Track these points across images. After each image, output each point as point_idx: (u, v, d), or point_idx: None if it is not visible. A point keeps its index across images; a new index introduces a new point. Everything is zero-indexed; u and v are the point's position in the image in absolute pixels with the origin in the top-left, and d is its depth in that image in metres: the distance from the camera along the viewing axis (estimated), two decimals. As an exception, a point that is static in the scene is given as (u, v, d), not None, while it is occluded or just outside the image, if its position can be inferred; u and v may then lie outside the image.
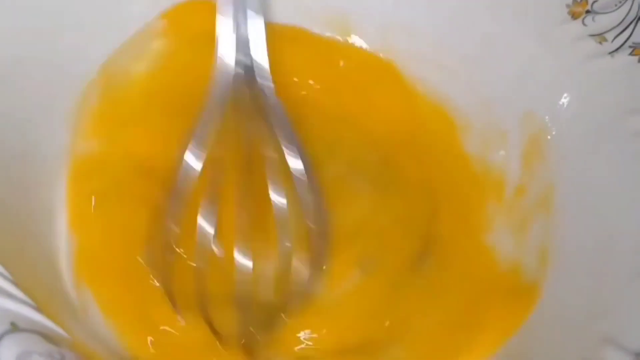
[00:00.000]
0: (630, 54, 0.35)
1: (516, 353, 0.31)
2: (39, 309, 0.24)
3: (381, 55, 0.41)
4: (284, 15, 0.40)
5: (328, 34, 0.41)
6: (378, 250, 0.36)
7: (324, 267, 0.34)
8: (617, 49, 0.35)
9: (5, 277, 0.24)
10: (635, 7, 0.35)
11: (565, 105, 0.36)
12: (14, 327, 0.22)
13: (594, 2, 0.36)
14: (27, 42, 0.33)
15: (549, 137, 0.37)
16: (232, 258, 0.32)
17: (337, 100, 0.40)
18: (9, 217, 0.30)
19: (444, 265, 0.36)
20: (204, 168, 0.32)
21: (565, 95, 0.36)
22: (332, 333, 0.33)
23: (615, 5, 0.35)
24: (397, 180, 0.39)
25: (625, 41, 0.35)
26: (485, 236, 0.37)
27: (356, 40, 0.41)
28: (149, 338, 0.31)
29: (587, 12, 0.36)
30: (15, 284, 0.24)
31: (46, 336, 0.22)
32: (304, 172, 0.34)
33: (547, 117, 0.37)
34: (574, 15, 0.36)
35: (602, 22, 0.36)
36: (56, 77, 0.34)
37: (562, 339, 0.29)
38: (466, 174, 0.39)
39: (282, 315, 0.33)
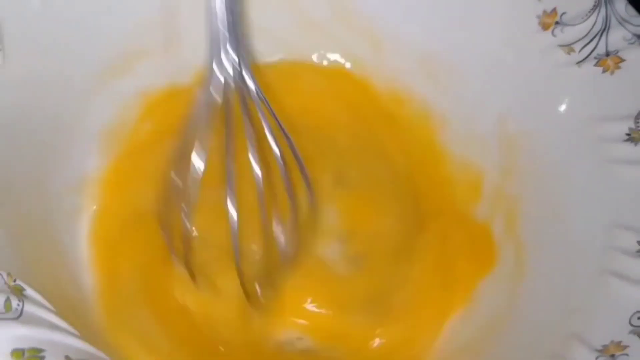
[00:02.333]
0: (595, 64, 0.37)
1: (491, 346, 0.34)
2: (81, 337, 0.27)
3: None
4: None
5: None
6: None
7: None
8: (583, 59, 0.38)
9: (48, 309, 0.27)
10: (599, 21, 0.38)
11: (535, 112, 0.39)
12: None
13: (562, 14, 0.38)
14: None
15: (520, 141, 0.40)
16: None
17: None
18: (39, 244, 0.32)
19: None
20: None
21: (535, 102, 0.39)
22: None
23: (582, 18, 0.38)
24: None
25: (591, 52, 0.38)
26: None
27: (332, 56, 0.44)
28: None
29: (557, 23, 0.38)
30: (57, 313, 0.27)
31: (94, 364, 0.26)
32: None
33: (518, 123, 0.40)
34: (544, 27, 0.39)
35: (570, 33, 0.38)
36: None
37: (535, 334, 0.33)
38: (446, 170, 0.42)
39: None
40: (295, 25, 0.43)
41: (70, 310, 0.30)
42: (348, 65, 0.44)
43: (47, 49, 0.36)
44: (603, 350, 0.30)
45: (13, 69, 0.33)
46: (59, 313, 0.27)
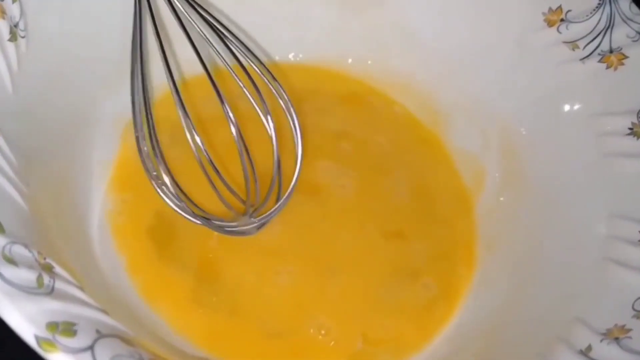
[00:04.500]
0: (599, 61, 0.39)
1: (497, 327, 0.35)
2: (107, 312, 0.28)
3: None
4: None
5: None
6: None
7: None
8: (587, 56, 0.39)
9: (76, 286, 0.28)
10: (604, 19, 0.39)
11: (540, 106, 0.41)
12: (99, 334, 0.26)
13: (567, 12, 0.40)
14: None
15: (524, 134, 0.41)
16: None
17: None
18: (64, 222, 0.33)
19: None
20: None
21: (540, 96, 0.40)
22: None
23: (587, 15, 0.39)
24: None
25: (595, 49, 0.39)
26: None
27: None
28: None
29: (562, 20, 0.40)
30: (85, 290, 0.28)
31: (123, 339, 0.26)
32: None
33: (523, 117, 0.41)
34: (550, 23, 0.40)
35: (575, 30, 0.39)
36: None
37: (540, 318, 0.34)
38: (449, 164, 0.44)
39: None
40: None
41: (95, 287, 0.30)
42: (350, 60, 0.45)
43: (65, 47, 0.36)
44: (607, 333, 0.31)
45: (36, 64, 0.34)
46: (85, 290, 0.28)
